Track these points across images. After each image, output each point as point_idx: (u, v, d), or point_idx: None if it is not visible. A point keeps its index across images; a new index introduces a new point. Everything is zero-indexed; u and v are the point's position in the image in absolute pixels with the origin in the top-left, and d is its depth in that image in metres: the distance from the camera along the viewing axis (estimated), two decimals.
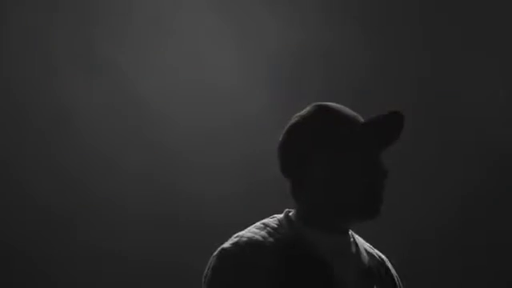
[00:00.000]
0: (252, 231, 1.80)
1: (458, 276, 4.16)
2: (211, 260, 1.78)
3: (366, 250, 1.89)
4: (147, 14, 4.14)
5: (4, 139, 4.01)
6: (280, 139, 1.88)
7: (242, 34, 4.17)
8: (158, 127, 4.12)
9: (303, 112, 1.88)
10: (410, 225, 4.09)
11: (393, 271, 1.94)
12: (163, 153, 4.11)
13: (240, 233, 1.80)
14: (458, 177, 4.18)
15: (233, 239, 1.78)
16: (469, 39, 4.24)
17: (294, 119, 1.88)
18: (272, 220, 1.85)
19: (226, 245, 1.77)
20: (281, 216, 1.86)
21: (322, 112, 1.85)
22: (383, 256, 1.94)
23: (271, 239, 1.77)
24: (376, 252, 1.93)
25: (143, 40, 4.13)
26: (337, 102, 1.90)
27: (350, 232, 1.87)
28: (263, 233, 1.79)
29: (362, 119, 1.84)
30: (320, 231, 1.81)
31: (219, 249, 1.78)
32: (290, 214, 1.86)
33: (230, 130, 4.13)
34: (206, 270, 1.78)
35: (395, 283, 1.92)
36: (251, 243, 1.75)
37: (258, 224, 1.84)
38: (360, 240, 1.91)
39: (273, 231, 1.80)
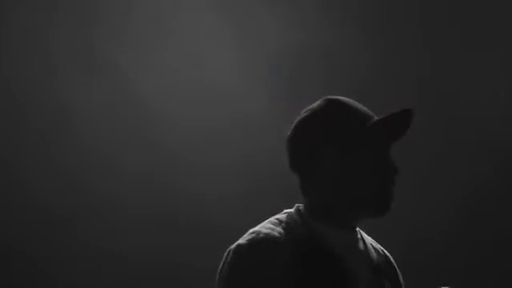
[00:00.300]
0: (268, 227, 1.79)
1: (461, 274, 4.16)
2: (227, 256, 1.77)
3: (372, 247, 1.89)
4: (147, 14, 4.14)
5: (4, 139, 4.01)
6: (289, 133, 1.87)
7: (242, 34, 4.17)
8: (157, 127, 4.12)
9: (314, 106, 1.88)
10: (412, 224, 4.09)
11: (395, 265, 1.94)
12: (163, 153, 4.11)
13: (256, 229, 1.79)
14: (460, 176, 4.18)
15: (249, 235, 1.77)
16: (469, 39, 4.24)
17: (304, 113, 1.87)
18: (285, 216, 1.84)
19: (243, 241, 1.76)
20: (292, 211, 1.85)
21: (332, 106, 1.84)
22: (385, 250, 1.95)
23: (286, 235, 1.76)
24: (379, 247, 1.94)
25: (143, 40, 4.13)
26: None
27: (357, 228, 1.87)
28: (279, 229, 1.78)
29: (372, 114, 1.84)
30: (330, 226, 1.80)
31: (235, 245, 1.76)
32: (300, 208, 1.85)
33: (230, 130, 4.13)
34: (222, 266, 1.77)
35: (398, 277, 1.92)
36: (268, 239, 1.74)
37: (272, 219, 1.83)
38: (366, 236, 1.91)
39: (287, 227, 1.79)
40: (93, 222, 4.02)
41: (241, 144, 4.12)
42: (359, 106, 1.86)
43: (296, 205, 1.86)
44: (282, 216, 1.84)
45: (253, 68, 4.16)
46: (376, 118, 1.83)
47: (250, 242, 1.74)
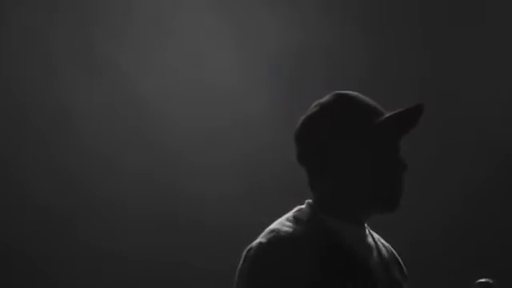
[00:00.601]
0: (286, 225, 1.78)
1: (463, 273, 4.16)
2: (248, 254, 1.75)
3: (381, 243, 1.89)
4: (147, 14, 4.14)
5: (4, 139, 4.00)
6: (298, 127, 1.86)
7: (242, 33, 4.17)
8: (157, 127, 4.12)
9: (323, 100, 1.87)
10: (413, 224, 4.09)
11: (401, 262, 1.95)
12: (163, 153, 4.11)
13: (274, 227, 1.77)
14: (460, 176, 4.18)
15: (269, 234, 1.75)
16: (469, 39, 4.24)
17: (313, 108, 1.87)
18: (299, 212, 1.83)
19: (264, 240, 1.74)
20: (305, 208, 1.84)
21: (341, 101, 1.84)
22: (391, 247, 1.95)
23: (304, 232, 1.76)
24: (386, 243, 1.94)
25: (143, 40, 4.13)
26: None
27: (365, 224, 1.87)
28: (296, 226, 1.77)
29: (380, 108, 1.83)
30: (341, 221, 1.80)
31: (257, 243, 1.74)
32: (311, 204, 1.84)
33: (230, 129, 4.13)
34: (242, 264, 1.75)
35: (404, 274, 1.93)
36: (288, 237, 1.73)
37: (288, 217, 1.82)
38: (373, 233, 1.90)
39: (303, 224, 1.78)
40: (93, 222, 4.02)
41: (241, 144, 4.12)
42: (368, 100, 1.85)
43: (306, 201, 1.86)
44: (296, 213, 1.83)
45: (253, 68, 4.16)
46: (385, 112, 1.83)
47: (272, 240, 1.73)
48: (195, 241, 4.03)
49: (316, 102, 1.88)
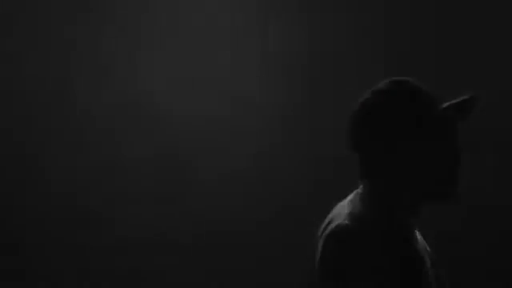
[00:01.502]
0: (359, 209, 1.75)
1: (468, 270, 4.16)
2: (335, 237, 1.70)
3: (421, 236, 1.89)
4: (148, 14, 4.14)
5: (4, 139, 4.01)
6: (357, 113, 1.82)
7: (242, 33, 4.17)
8: (158, 127, 4.12)
9: (382, 87, 1.82)
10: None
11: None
12: (163, 152, 4.11)
13: (350, 210, 1.75)
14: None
15: (350, 216, 1.72)
16: (471, 39, 4.25)
17: (372, 94, 1.82)
18: (363, 198, 1.80)
19: (348, 222, 1.70)
20: (365, 194, 1.81)
21: (402, 88, 1.80)
22: None
23: (376, 216, 1.73)
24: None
25: (143, 40, 4.13)
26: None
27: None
28: (368, 210, 1.74)
29: (438, 98, 1.81)
30: (400, 210, 1.78)
31: (342, 226, 1.69)
32: (366, 191, 1.81)
33: (230, 129, 4.13)
34: (330, 246, 1.70)
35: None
36: (369, 220, 1.71)
37: (356, 201, 1.79)
38: None
39: (372, 209, 1.75)
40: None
41: (240, 144, 4.12)
42: (425, 87, 1.82)
43: (362, 187, 1.83)
44: (359, 199, 1.80)
45: (253, 68, 4.16)
46: (442, 102, 1.80)
47: (356, 220, 1.70)
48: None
49: (372, 89, 1.84)
